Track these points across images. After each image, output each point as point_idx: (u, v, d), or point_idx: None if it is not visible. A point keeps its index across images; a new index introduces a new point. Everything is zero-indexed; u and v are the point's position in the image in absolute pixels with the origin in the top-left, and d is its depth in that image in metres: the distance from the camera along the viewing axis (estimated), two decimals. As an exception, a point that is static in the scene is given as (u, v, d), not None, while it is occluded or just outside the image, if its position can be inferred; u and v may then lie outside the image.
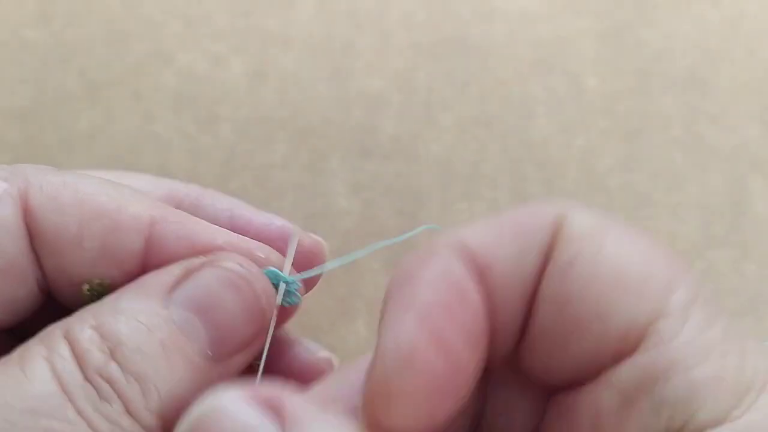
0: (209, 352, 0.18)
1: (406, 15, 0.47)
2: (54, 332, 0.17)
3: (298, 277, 0.21)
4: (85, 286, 0.19)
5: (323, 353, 0.23)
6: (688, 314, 0.14)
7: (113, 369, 0.17)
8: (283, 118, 0.45)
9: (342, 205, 0.43)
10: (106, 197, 0.19)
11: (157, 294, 0.18)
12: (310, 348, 0.23)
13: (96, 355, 0.17)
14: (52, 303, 0.20)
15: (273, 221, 0.23)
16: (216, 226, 0.20)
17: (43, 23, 0.46)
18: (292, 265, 0.21)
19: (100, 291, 0.19)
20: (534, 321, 0.16)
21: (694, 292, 0.15)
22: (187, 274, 0.18)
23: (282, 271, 0.21)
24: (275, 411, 0.14)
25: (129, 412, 0.17)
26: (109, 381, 0.17)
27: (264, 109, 0.45)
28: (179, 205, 0.22)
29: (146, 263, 0.19)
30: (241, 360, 0.19)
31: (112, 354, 0.17)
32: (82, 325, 0.17)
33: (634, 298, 0.15)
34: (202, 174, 0.44)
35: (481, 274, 0.16)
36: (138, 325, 0.17)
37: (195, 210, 0.22)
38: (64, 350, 0.17)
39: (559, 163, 0.44)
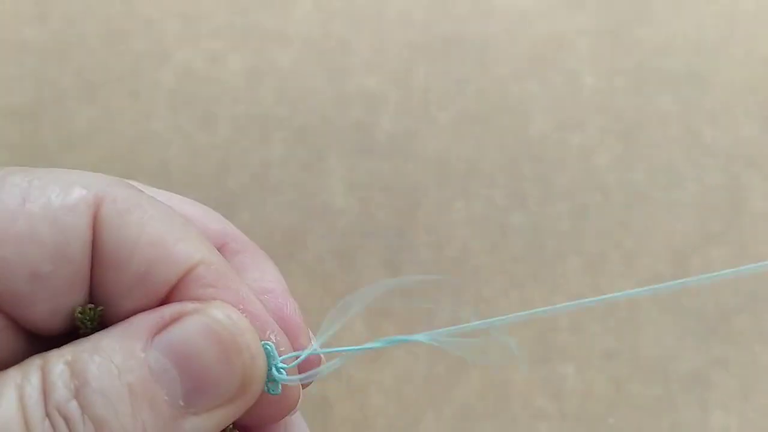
0: (181, 403, 0.17)
1: (403, 13, 0.47)
2: (33, 361, 0.17)
3: (284, 359, 0.20)
4: (78, 309, 0.19)
5: None
6: None
7: (72, 407, 0.16)
8: (280, 117, 0.45)
9: (339, 203, 0.43)
10: (168, 226, 0.19)
11: (140, 336, 0.18)
12: None
13: (60, 390, 0.17)
14: None
15: (291, 312, 0.22)
16: (249, 292, 0.20)
17: (41, 22, 0.46)
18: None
19: (91, 316, 0.19)
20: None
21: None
22: (175, 319, 0.18)
23: (279, 355, 0.20)
24: None
25: None
26: (66, 419, 0.16)
27: (261, 107, 0.45)
28: (220, 249, 0.22)
29: (168, 300, 0.19)
30: (217, 418, 0.18)
31: (76, 392, 0.17)
32: (59, 359, 0.17)
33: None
34: (200, 172, 0.44)
35: None
36: (110, 366, 0.17)
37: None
38: (35, 380, 0.17)
39: (557, 161, 0.44)
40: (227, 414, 0.18)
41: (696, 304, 0.42)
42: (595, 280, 0.43)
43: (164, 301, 0.19)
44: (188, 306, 0.19)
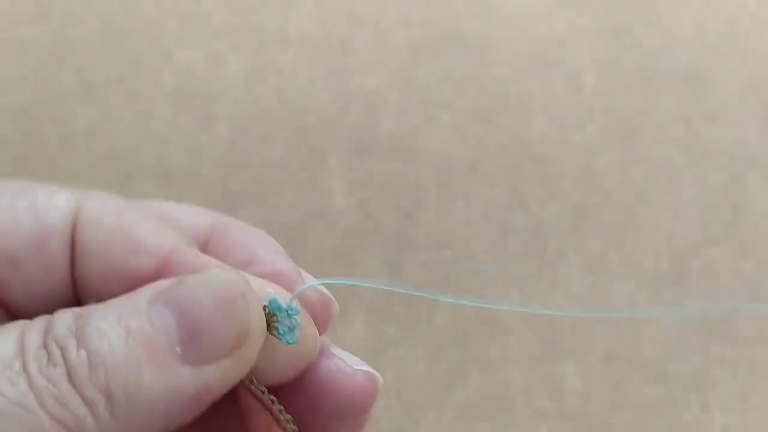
0: (178, 349, 0.18)
1: (404, 12, 0.47)
2: (42, 316, 0.20)
3: (293, 295, 0.21)
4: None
5: (363, 367, 0.23)
6: None
7: (69, 340, 0.18)
8: (281, 117, 0.45)
9: (340, 203, 0.43)
10: (140, 222, 0.21)
11: (143, 294, 0.20)
12: (346, 361, 0.23)
13: (61, 327, 0.19)
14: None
15: (287, 270, 0.23)
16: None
17: (41, 21, 0.46)
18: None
19: None
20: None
21: None
22: (175, 284, 0.20)
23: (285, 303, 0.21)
24: None
25: (71, 378, 0.18)
26: (62, 348, 0.18)
27: (262, 108, 0.45)
28: (210, 238, 0.24)
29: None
30: (220, 372, 0.19)
31: (76, 331, 0.18)
32: (67, 310, 0.19)
33: None
34: (200, 172, 0.44)
35: None
36: (110, 312, 0.19)
37: (225, 241, 0.24)
38: (39, 322, 0.19)
39: (557, 161, 0.44)
40: (226, 369, 0.19)
41: (696, 304, 0.42)
42: (596, 280, 0.43)
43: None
44: (189, 275, 0.20)
